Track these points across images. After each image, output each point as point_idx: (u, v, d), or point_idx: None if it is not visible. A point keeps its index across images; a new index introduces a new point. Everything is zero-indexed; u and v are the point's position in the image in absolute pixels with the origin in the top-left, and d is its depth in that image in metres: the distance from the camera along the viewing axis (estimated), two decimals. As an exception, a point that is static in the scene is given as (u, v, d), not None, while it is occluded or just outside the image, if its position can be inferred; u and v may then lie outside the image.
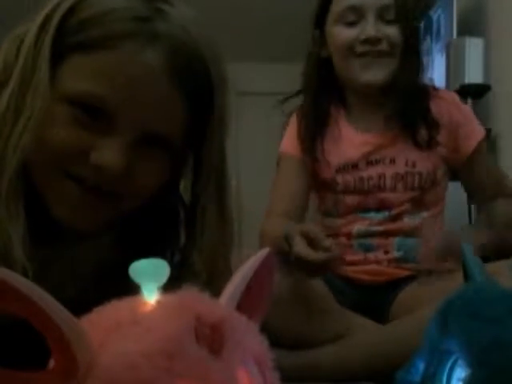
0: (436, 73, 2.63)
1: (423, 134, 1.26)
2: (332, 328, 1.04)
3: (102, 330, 0.34)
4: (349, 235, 1.27)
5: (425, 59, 1.41)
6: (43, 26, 0.63)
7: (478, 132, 1.32)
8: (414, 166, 1.26)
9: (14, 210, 0.60)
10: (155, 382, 0.32)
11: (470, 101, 2.34)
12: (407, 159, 1.26)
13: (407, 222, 1.26)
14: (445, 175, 1.31)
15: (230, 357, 0.35)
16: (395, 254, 1.25)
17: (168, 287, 0.37)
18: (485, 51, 2.37)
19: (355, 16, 1.26)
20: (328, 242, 0.97)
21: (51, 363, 0.34)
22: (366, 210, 1.27)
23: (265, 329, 0.40)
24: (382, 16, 1.25)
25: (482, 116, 2.34)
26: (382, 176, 1.26)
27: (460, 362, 0.43)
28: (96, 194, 0.64)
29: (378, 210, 1.27)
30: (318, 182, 1.33)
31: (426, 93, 1.30)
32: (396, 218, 1.26)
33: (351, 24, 1.26)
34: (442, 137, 1.27)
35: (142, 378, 0.32)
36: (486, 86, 2.37)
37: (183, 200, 0.74)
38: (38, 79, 0.61)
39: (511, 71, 2.27)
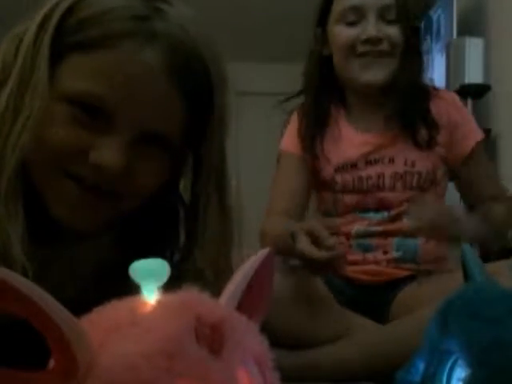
0: (436, 73, 2.63)
1: (423, 133, 1.26)
2: (332, 328, 1.04)
3: (102, 330, 0.34)
4: (348, 235, 1.27)
5: (425, 59, 1.40)
6: (42, 26, 0.63)
7: (476, 133, 1.31)
8: (413, 165, 1.26)
9: (13, 210, 0.60)
10: (155, 382, 0.32)
11: (470, 101, 2.34)
12: (406, 159, 1.26)
13: (406, 222, 1.26)
14: (444, 175, 1.31)
15: (230, 357, 0.35)
16: (394, 254, 1.25)
17: (168, 287, 0.37)
18: (485, 51, 2.37)
19: (356, 16, 1.26)
20: (332, 241, 0.98)
21: (51, 363, 0.34)
22: (365, 210, 1.27)
23: (265, 329, 0.40)
24: (382, 16, 1.25)
25: (482, 116, 2.35)
26: (380, 175, 1.26)
27: (460, 361, 0.43)
28: (95, 194, 0.64)
29: (376, 210, 1.27)
30: (317, 181, 1.33)
31: (426, 93, 1.30)
32: (395, 218, 1.26)
33: (352, 24, 1.26)
34: (440, 137, 1.27)
35: (141, 378, 0.32)
36: (485, 86, 2.37)
37: (183, 199, 0.74)
38: (37, 78, 0.61)
39: (511, 71, 2.28)
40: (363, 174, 1.27)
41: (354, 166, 1.28)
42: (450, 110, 1.29)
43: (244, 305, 0.40)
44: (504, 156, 2.31)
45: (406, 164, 1.26)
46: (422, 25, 2.61)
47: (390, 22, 1.26)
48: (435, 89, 1.36)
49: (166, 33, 0.63)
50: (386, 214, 1.26)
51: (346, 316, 1.09)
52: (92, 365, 0.33)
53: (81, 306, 0.36)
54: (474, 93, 2.37)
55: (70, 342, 0.32)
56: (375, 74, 1.26)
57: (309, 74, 1.36)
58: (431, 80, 2.48)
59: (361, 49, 1.25)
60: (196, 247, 0.68)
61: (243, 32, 3.60)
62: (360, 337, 1.03)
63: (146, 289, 0.36)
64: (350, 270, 1.25)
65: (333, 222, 1.29)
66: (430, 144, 1.26)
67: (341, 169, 1.28)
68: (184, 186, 0.73)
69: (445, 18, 2.59)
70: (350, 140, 1.30)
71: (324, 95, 1.33)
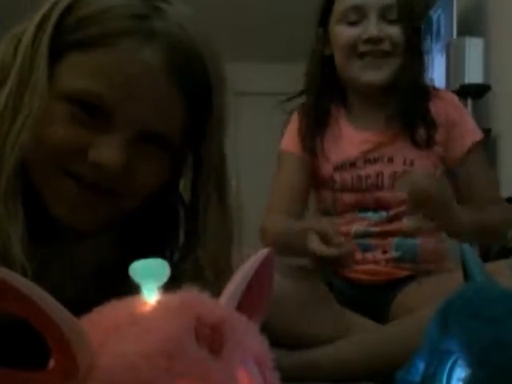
0: (436, 73, 2.63)
1: (421, 133, 1.26)
2: (332, 328, 1.04)
3: (102, 330, 0.34)
4: (347, 235, 1.27)
5: (425, 59, 1.40)
6: (41, 25, 0.63)
7: (474, 133, 1.31)
8: (412, 164, 1.26)
9: (12, 209, 0.60)
10: (155, 382, 0.32)
11: (470, 101, 2.34)
12: (405, 158, 1.26)
13: (406, 222, 1.26)
14: (443, 175, 1.31)
15: (230, 357, 0.35)
16: (393, 254, 1.25)
17: (168, 287, 0.37)
18: (485, 51, 2.37)
19: (357, 16, 1.26)
20: (340, 239, 1.01)
21: (51, 363, 0.34)
22: (364, 209, 1.27)
23: (265, 329, 0.40)
24: (384, 16, 1.25)
25: (482, 116, 2.35)
26: (379, 174, 1.26)
27: (460, 361, 0.43)
28: (94, 192, 0.64)
29: (375, 210, 1.27)
30: (316, 180, 1.33)
31: (426, 93, 1.30)
32: (394, 218, 1.26)
33: (353, 23, 1.26)
34: (438, 136, 1.27)
35: (141, 378, 0.32)
36: (485, 86, 2.37)
37: (183, 199, 0.74)
38: (36, 78, 0.61)
39: (511, 71, 2.28)
40: (362, 172, 1.27)
41: (352, 164, 1.28)
42: (449, 109, 1.29)
43: (244, 305, 0.40)
44: (504, 156, 2.32)
45: (404, 163, 1.26)
46: (423, 25, 2.60)
47: (391, 22, 1.26)
48: (435, 89, 1.36)
49: (164, 31, 0.63)
50: (384, 214, 1.26)
51: (346, 316, 1.09)
52: (92, 365, 0.33)
53: (81, 305, 0.36)
54: (474, 93, 2.37)
55: (70, 342, 0.32)
56: (376, 74, 1.26)
57: (310, 73, 1.36)
58: (431, 80, 2.47)
59: (362, 48, 1.25)
60: (198, 246, 0.68)
61: (243, 32, 3.60)
62: (360, 337, 1.03)
63: (146, 289, 0.36)
64: (350, 270, 1.25)
65: (333, 222, 1.29)
66: (428, 143, 1.26)
67: (340, 167, 1.28)
68: (184, 185, 0.73)
69: (445, 18, 2.59)
70: (349, 139, 1.30)
71: (325, 95, 1.34)
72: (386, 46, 1.25)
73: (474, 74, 2.35)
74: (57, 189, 0.64)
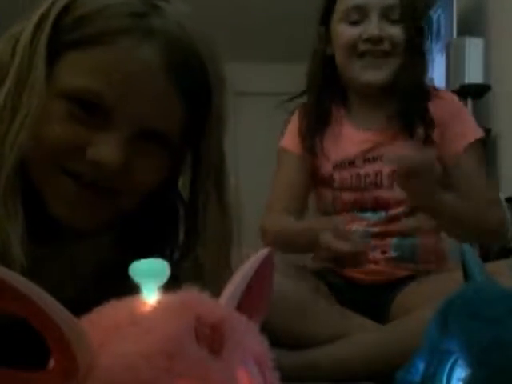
0: (436, 73, 2.63)
1: (420, 132, 1.26)
2: (332, 328, 1.04)
3: (102, 330, 0.34)
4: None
5: (427, 59, 1.40)
6: (39, 25, 0.63)
7: (473, 132, 1.30)
8: None
9: (12, 209, 0.60)
10: (155, 382, 0.32)
11: (470, 101, 2.34)
12: None
13: (405, 223, 1.26)
14: (441, 174, 1.31)
15: (230, 357, 0.35)
16: (392, 254, 1.25)
17: (168, 285, 0.37)
18: (485, 51, 2.37)
19: (359, 15, 1.26)
20: (356, 236, 1.04)
21: (51, 363, 0.34)
22: (363, 209, 1.27)
23: (265, 329, 0.40)
24: (386, 16, 1.25)
25: (482, 116, 2.35)
26: (378, 173, 1.27)
27: (460, 361, 0.43)
28: (93, 191, 0.64)
29: (374, 210, 1.27)
30: (316, 179, 1.34)
31: (426, 93, 1.30)
32: (392, 219, 1.26)
33: (355, 23, 1.26)
34: (435, 135, 1.27)
35: (141, 378, 0.32)
36: (485, 86, 2.37)
37: (182, 197, 0.74)
38: (35, 78, 0.61)
39: (511, 71, 2.28)
40: (361, 171, 1.27)
41: (352, 163, 1.28)
42: (447, 109, 1.29)
43: (244, 305, 0.40)
44: (504, 156, 2.32)
45: None
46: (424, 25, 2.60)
47: (394, 22, 1.26)
48: (435, 89, 1.36)
49: (163, 30, 0.63)
50: (383, 214, 1.26)
51: (346, 316, 1.09)
52: (92, 365, 0.33)
53: (81, 306, 0.36)
54: (474, 93, 2.37)
55: (70, 342, 0.32)
56: (376, 73, 1.26)
57: (312, 73, 1.36)
58: (431, 80, 2.47)
59: (362, 48, 1.25)
60: (198, 244, 0.68)
61: (243, 32, 3.60)
62: (360, 337, 1.03)
63: (146, 289, 0.36)
64: (350, 270, 1.25)
65: (343, 220, 1.29)
66: (426, 143, 1.26)
67: (339, 166, 1.29)
68: (183, 183, 0.73)
69: (445, 18, 2.59)
70: (350, 138, 1.30)
71: (326, 94, 1.34)
72: (386, 45, 1.25)
73: (473, 74, 2.35)
74: (55, 187, 0.64)
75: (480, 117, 2.16)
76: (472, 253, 0.53)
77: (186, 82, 0.64)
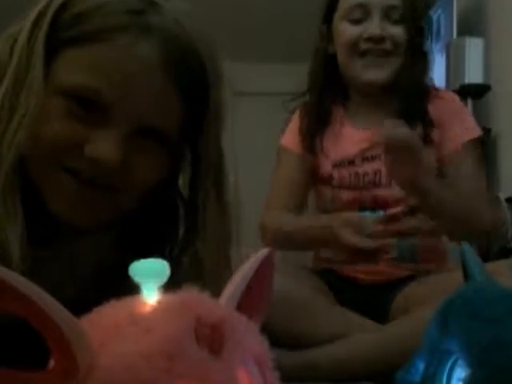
0: (436, 73, 2.62)
1: (419, 132, 1.26)
2: (332, 328, 1.04)
3: (102, 330, 0.34)
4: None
5: (428, 59, 1.40)
6: (36, 23, 0.63)
7: (471, 132, 1.29)
8: None
9: (11, 208, 0.60)
10: (155, 382, 0.32)
11: (470, 101, 2.34)
12: None
13: (404, 223, 1.26)
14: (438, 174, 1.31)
15: (230, 357, 0.35)
16: (392, 254, 1.25)
17: (168, 283, 0.37)
18: (485, 51, 2.37)
19: (361, 14, 1.26)
20: (377, 231, 1.06)
21: (51, 363, 0.34)
22: (362, 208, 1.27)
23: (265, 329, 0.40)
24: (388, 15, 1.26)
25: (482, 116, 2.34)
26: (377, 172, 1.27)
27: (460, 361, 0.43)
28: (92, 188, 0.64)
29: (373, 209, 1.27)
30: (316, 178, 1.34)
31: (427, 93, 1.30)
32: (391, 218, 1.26)
33: (357, 22, 1.27)
34: (434, 135, 1.27)
35: (141, 379, 0.32)
36: (485, 86, 2.37)
37: (182, 195, 0.74)
38: (32, 77, 0.61)
39: (511, 71, 2.27)
40: (360, 170, 1.27)
41: (351, 162, 1.28)
42: (447, 109, 1.29)
43: (244, 305, 0.40)
44: (504, 156, 2.31)
45: None
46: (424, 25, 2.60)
47: (395, 22, 1.26)
48: (436, 89, 1.36)
49: (160, 27, 0.63)
50: (382, 213, 1.26)
51: (346, 316, 1.09)
52: (92, 366, 0.32)
53: (81, 305, 0.36)
54: (474, 93, 2.37)
55: (70, 342, 0.32)
56: (377, 72, 1.26)
57: (313, 72, 1.37)
58: (431, 80, 2.47)
59: (363, 46, 1.25)
60: (197, 239, 0.68)
61: (243, 32, 3.59)
62: (360, 337, 1.03)
63: (146, 289, 0.36)
64: (350, 270, 1.25)
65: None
66: (425, 142, 1.25)
67: (338, 165, 1.29)
68: (182, 182, 0.73)
69: (445, 18, 2.58)
70: (349, 137, 1.30)
71: (327, 93, 1.34)
72: (387, 45, 1.25)
73: (473, 74, 2.35)
74: (54, 184, 0.64)
75: (480, 117, 2.15)
76: (472, 253, 0.53)
77: (184, 79, 0.64)
